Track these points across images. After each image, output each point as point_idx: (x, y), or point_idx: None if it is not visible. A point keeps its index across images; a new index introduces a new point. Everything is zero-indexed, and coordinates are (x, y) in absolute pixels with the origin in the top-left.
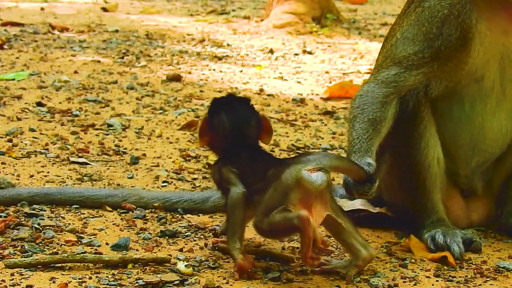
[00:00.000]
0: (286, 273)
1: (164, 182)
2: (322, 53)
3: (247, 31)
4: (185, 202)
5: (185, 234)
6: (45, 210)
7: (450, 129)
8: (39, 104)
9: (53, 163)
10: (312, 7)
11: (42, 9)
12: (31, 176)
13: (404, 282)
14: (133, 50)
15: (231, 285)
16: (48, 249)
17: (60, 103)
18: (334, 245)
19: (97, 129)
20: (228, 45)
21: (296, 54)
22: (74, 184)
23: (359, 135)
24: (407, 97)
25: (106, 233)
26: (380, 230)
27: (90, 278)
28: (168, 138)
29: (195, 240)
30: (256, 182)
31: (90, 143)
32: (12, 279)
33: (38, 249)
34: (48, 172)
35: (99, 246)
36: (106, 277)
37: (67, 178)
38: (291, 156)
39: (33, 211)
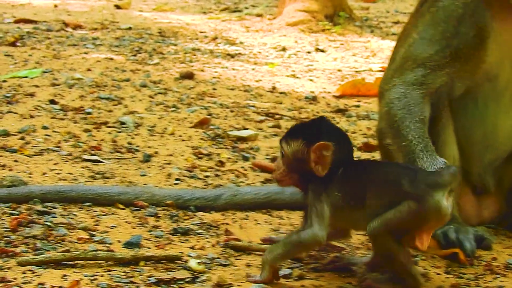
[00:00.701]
0: (297, 270)
1: (176, 179)
2: (335, 51)
3: (260, 29)
4: (197, 200)
5: (197, 231)
6: (57, 208)
7: (464, 127)
8: (52, 101)
9: (65, 161)
10: (324, 5)
11: (55, 6)
12: (44, 173)
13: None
14: (146, 48)
15: (242, 282)
16: (60, 246)
17: (73, 100)
18: (346, 243)
19: (109, 127)
20: (240, 43)
21: (308, 52)
22: (87, 181)
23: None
24: (434, 98)
25: (118, 230)
26: None
27: (102, 275)
28: (180, 136)
29: (207, 238)
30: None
31: (102, 140)
32: (24, 277)
33: (50, 246)
34: (60, 170)
35: (111, 243)
36: (118, 274)
37: (80, 175)
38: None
39: (45, 209)
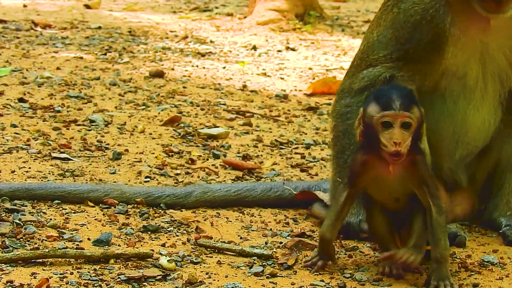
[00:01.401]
0: (269, 268)
1: (146, 177)
2: (305, 49)
3: (230, 28)
4: (168, 197)
5: (168, 229)
6: (26, 206)
7: (434, 123)
8: (21, 100)
9: (34, 159)
10: (295, 4)
11: (24, 6)
12: (13, 171)
13: (388, 276)
14: (115, 47)
15: (214, 280)
16: (29, 244)
17: (42, 99)
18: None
19: (79, 125)
20: (211, 41)
21: (279, 51)
22: (56, 179)
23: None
24: None
25: (88, 228)
26: None
27: (72, 273)
28: (150, 134)
29: (177, 235)
30: None
31: (72, 138)
32: None
33: (19, 244)
34: (29, 168)
35: (80, 241)
36: (88, 272)
37: (49, 173)
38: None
39: (14, 207)
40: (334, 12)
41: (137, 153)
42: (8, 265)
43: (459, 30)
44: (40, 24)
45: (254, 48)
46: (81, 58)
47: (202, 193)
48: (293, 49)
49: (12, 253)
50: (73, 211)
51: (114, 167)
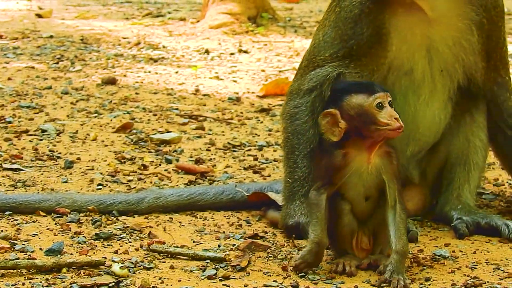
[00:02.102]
0: (222, 270)
1: (99, 185)
2: (258, 52)
3: (183, 33)
4: (120, 204)
5: (120, 236)
6: None
7: None
8: None
9: None
10: (247, 7)
11: None
12: None
13: (341, 274)
14: (67, 55)
15: (167, 285)
16: None
17: None
18: None
19: (31, 135)
20: (163, 47)
21: (232, 54)
22: (7, 190)
23: (302, 169)
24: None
25: (39, 238)
26: None
27: (24, 284)
28: (103, 141)
29: (130, 242)
30: None
31: (23, 149)
32: None
33: None
34: None
35: (32, 251)
36: (40, 282)
37: (0, 185)
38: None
39: None
40: (287, 13)
41: (89, 161)
42: None
43: (400, 22)
44: None
45: (207, 52)
46: (33, 67)
47: (155, 198)
48: (245, 52)
49: None
50: (25, 222)
51: (66, 176)
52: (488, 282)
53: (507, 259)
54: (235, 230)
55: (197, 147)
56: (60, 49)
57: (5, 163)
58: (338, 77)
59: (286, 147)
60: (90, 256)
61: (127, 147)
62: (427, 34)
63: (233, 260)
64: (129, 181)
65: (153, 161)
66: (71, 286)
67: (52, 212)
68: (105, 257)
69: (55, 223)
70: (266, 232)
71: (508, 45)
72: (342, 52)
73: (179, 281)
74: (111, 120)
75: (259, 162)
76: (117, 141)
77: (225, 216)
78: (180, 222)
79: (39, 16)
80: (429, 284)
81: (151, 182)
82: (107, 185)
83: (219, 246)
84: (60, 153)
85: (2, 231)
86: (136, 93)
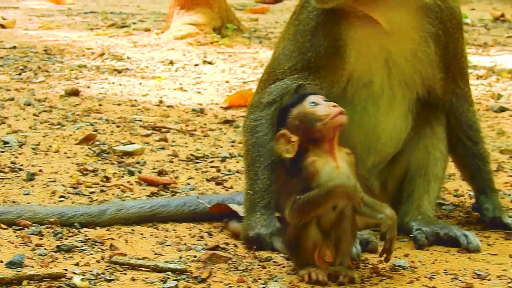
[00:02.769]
0: (183, 282)
1: (61, 197)
2: (223, 63)
3: (148, 44)
4: (81, 216)
5: (82, 248)
6: None
7: (345, 130)
8: None
9: None
10: (212, 18)
11: None
12: None
13: (301, 284)
14: (31, 66)
15: None
16: None
17: None
18: None
19: None
20: (128, 58)
21: (196, 65)
22: None
23: (263, 181)
24: None
25: (0, 250)
26: None
27: None
28: (65, 153)
29: (91, 254)
30: None
31: None
32: None
33: None
34: None
35: None
36: None
37: None
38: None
39: None
40: (252, 24)
41: (51, 173)
42: None
43: (357, 35)
44: None
45: (171, 63)
46: None
47: (116, 210)
48: (210, 63)
49: None
50: None
51: (27, 188)
52: None
53: (465, 269)
54: (197, 242)
55: (160, 158)
56: (23, 60)
57: None
58: (297, 89)
59: (247, 160)
60: (51, 268)
61: (89, 159)
62: (384, 46)
63: (194, 271)
64: (91, 193)
65: (115, 173)
66: None
67: (13, 225)
68: (66, 269)
69: (16, 236)
70: (227, 244)
71: (470, 56)
72: (301, 64)
73: None
74: (74, 132)
75: (222, 173)
76: (80, 153)
77: (187, 228)
78: (141, 234)
79: (2, 26)
80: None
81: (113, 194)
82: (69, 197)
83: (180, 257)
84: (22, 165)
85: None
86: (100, 105)
